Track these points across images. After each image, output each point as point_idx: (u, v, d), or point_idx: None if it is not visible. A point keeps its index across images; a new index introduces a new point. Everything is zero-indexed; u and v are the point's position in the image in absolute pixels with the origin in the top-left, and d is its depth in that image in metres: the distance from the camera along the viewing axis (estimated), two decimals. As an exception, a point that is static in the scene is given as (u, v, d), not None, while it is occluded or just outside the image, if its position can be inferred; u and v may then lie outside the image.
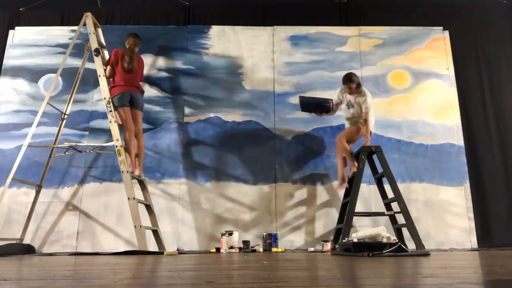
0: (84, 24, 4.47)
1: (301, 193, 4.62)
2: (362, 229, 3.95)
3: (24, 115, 4.84)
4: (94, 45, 4.36)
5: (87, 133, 4.74)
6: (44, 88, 4.92)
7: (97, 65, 4.25)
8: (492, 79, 5.15)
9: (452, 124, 4.86)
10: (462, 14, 5.36)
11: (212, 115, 4.85)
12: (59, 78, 4.90)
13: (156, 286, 1.00)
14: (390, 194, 4.01)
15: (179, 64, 5.00)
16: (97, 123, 4.75)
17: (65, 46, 5.02)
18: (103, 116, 4.66)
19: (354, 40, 5.13)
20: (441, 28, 5.19)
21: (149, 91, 4.84)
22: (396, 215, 3.99)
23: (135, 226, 3.71)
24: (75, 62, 4.95)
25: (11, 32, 5.14)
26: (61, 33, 5.13)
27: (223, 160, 4.71)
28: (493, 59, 5.22)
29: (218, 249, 4.04)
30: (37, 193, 4.40)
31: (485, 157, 4.88)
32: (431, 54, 5.09)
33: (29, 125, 4.76)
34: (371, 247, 2.68)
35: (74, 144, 4.39)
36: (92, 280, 1.16)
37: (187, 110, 4.86)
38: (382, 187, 4.23)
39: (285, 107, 4.87)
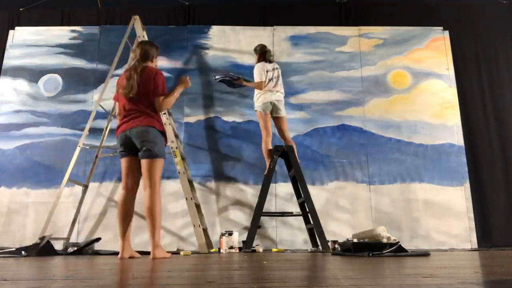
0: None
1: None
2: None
3: (24, 115, 4.84)
4: None
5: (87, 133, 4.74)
6: (44, 88, 4.92)
7: None
8: (492, 79, 5.15)
9: (452, 124, 4.86)
10: (462, 14, 5.37)
11: (212, 115, 4.85)
12: (59, 78, 4.92)
13: (156, 286, 1.00)
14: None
15: (179, 64, 5.00)
16: (97, 123, 4.75)
17: (65, 46, 5.03)
18: (103, 116, 4.66)
19: (354, 40, 5.13)
20: (441, 28, 5.19)
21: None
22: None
23: (193, 226, 3.82)
24: (76, 62, 4.96)
25: (11, 32, 5.14)
26: (61, 33, 5.13)
27: (223, 160, 4.71)
28: (493, 59, 5.22)
29: (218, 249, 4.03)
30: (83, 192, 4.40)
31: (485, 157, 4.88)
32: (431, 54, 5.09)
33: (29, 125, 4.78)
34: (371, 247, 2.68)
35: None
36: (92, 280, 1.16)
37: (187, 110, 4.86)
38: (296, 186, 4.22)
39: (285, 107, 4.86)
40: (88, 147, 4.47)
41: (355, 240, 2.90)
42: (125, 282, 1.10)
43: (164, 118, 4.19)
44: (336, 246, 3.66)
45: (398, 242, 2.76)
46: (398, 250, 2.69)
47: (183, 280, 1.15)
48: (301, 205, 4.19)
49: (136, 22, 4.52)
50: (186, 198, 3.89)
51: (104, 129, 4.54)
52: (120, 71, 4.69)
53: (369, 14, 5.34)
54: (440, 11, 5.34)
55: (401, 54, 5.09)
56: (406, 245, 4.07)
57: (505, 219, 4.69)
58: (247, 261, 2.18)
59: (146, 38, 4.57)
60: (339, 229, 4.44)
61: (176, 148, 4.07)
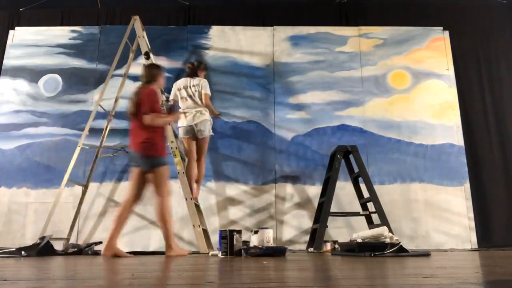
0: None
1: (301, 193, 4.62)
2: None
3: (24, 115, 4.84)
4: (144, 48, 4.42)
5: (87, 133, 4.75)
6: (44, 88, 4.92)
7: None
8: (492, 79, 5.15)
9: (452, 124, 4.86)
10: (462, 14, 5.36)
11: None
12: (59, 78, 4.92)
13: (156, 286, 1.00)
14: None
15: (179, 64, 5.00)
16: (97, 123, 4.74)
17: (65, 46, 5.03)
18: (103, 116, 4.66)
19: (354, 40, 5.13)
20: (441, 28, 5.19)
21: (149, 91, 4.84)
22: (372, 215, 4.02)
23: (193, 226, 3.81)
24: (75, 62, 4.96)
25: (11, 32, 5.14)
26: (61, 33, 5.13)
27: (223, 160, 4.71)
28: (493, 59, 5.22)
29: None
30: (83, 193, 4.39)
31: (485, 157, 4.88)
32: (431, 54, 5.09)
33: (29, 125, 4.78)
34: (373, 247, 2.68)
35: (127, 145, 4.50)
36: (92, 280, 1.16)
37: (187, 110, 4.85)
38: (358, 187, 4.21)
39: (285, 107, 4.87)
40: (88, 147, 4.47)
41: (360, 240, 2.89)
42: (125, 282, 1.10)
43: None
44: (336, 246, 3.65)
45: (400, 242, 2.76)
46: (399, 250, 2.69)
47: (183, 280, 1.15)
48: (363, 206, 4.15)
49: (136, 22, 4.52)
50: (186, 198, 3.90)
51: (104, 129, 4.54)
52: (120, 71, 4.69)
53: (369, 14, 5.34)
54: (440, 11, 5.34)
55: (401, 54, 5.09)
56: (407, 245, 4.07)
57: (505, 219, 4.69)
58: (247, 261, 2.18)
59: (146, 38, 4.57)
60: (339, 229, 4.43)
61: (176, 148, 4.08)
